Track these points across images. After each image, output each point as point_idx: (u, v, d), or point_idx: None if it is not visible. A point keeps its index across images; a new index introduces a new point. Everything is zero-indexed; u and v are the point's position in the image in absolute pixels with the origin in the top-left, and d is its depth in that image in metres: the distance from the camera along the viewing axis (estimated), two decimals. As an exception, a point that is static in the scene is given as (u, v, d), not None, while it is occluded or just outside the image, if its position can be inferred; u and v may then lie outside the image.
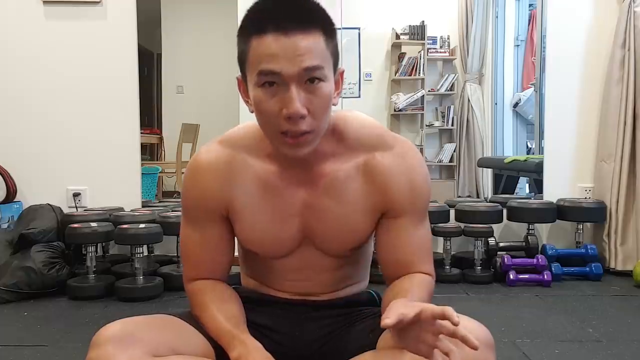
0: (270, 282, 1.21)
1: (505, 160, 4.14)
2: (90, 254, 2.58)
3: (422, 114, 5.43)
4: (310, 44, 0.95)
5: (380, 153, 1.10)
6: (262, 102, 0.98)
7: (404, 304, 0.88)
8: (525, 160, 3.83)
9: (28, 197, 3.01)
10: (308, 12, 0.98)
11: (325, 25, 0.99)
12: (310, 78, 0.96)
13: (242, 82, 1.05)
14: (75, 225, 2.59)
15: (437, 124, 5.55)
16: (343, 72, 1.07)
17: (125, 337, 0.95)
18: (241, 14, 1.02)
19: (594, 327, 2.10)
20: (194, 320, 1.11)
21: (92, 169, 3.07)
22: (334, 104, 1.04)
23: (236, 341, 1.05)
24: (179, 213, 2.75)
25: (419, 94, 5.40)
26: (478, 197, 5.00)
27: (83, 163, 3.07)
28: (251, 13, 0.99)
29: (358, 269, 1.24)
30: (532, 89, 4.60)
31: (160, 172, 4.60)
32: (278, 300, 1.19)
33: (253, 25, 0.98)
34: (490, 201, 3.42)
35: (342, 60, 1.09)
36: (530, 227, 2.95)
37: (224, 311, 1.10)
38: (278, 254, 1.15)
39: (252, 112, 1.03)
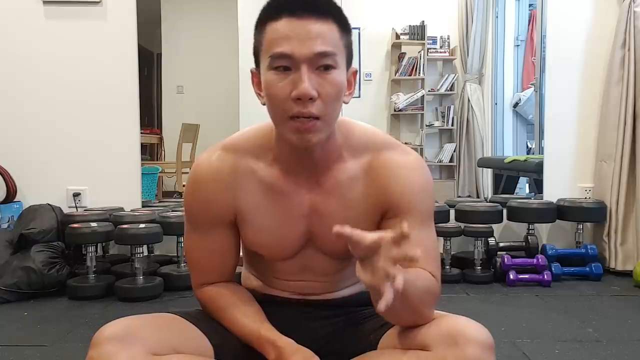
0: (272, 281, 1.21)
1: (505, 160, 4.13)
2: (90, 254, 2.59)
3: (422, 114, 5.43)
4: (324, 30, 0.96)
5: (385, 152, 1.10)
6: (273, 85, 0.98)
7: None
8: (525, 160, 3.82)
9: (28, 197, 3.00)
10: (323, 3, 0.99)
11: (339, 19, 1.00)
12: (322, 65, 0.96)
13: (256, 75, 1.05)
14: (75, 225, 2.59)
15: (437, 124, 5.54)
16: (356, 72, 1.07)
17: (125, 336, 0.96)
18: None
19: (594, 327, 2.10)
20: (194, 318, 1.12)
21: (92, 169, 3.07)
22: (345, 102, 1.04)
23: (268, 344, 1.06)
24: (179, 213, 2.75)
25: (419, 94, 5.39)
26: (478, 197, 5.00)
27: (83, 163, 3.07)
28: (267, 5, 1.00)
29: None
30: (532, 89, 4.60)
31: (160, 172, 4.59)
32: (279, 299, 1.19)
33: (268, 14, 0.99)
34: (490, 201, 3.42)
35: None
36: (530, 227, 2.95)
37: (245, 312, 1.12)
38: (283, 256, 1.15)
39: (263, 104, 1.03)
